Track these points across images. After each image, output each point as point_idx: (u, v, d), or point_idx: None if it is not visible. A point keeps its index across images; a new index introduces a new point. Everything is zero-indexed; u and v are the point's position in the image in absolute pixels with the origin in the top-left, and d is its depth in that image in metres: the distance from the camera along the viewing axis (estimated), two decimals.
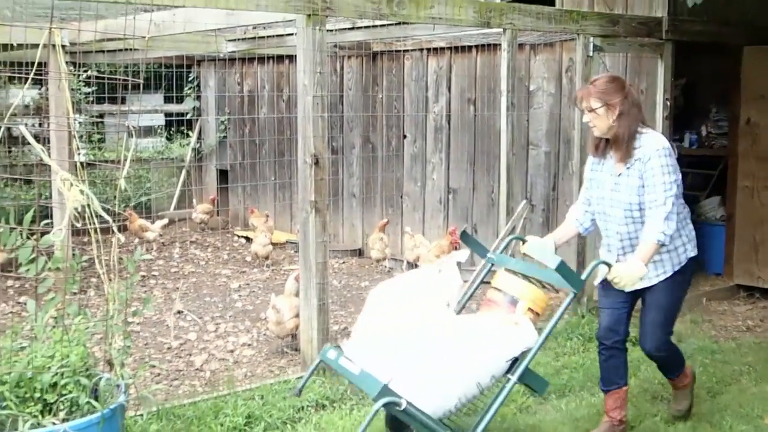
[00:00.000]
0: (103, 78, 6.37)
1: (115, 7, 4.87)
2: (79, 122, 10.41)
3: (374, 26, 7.39)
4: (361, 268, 8.79)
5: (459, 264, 4.13)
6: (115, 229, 3.93)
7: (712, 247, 7.80)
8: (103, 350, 3.98)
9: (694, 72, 8.85)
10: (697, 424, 4.63)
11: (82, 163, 4.09)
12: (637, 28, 6.69)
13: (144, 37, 4.80)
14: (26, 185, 9.79)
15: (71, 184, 3.87)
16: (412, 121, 8.84)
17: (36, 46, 4.21)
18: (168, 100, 12.14)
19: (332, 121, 9.20)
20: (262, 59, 10.38)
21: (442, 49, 8.40)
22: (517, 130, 6.33)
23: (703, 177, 8.94)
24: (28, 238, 3.83)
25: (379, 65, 9.11)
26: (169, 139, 12.98)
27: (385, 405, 3.50)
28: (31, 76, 4.03)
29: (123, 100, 10.46)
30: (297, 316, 5.56)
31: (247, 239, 9.80)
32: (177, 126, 12.41)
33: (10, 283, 7.52)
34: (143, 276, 8.07)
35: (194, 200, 10.88)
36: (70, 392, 3.45)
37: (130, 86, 4.70)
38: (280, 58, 10.12)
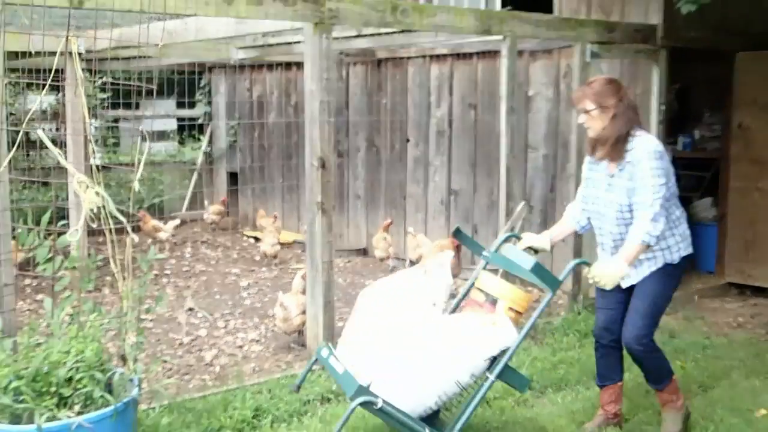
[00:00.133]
0: (118, 84, 6.37)
1: (129, 16, 4.88)
2: (95, 127, 10.44)
3: (379, 34, 7.39)
4: (366, 266, 8.79)
5: (445, 265, 4.11)
6: (129, 229, 3.96)
7: (704, 246, 7.78)
8: (117, 346, 4.00)
9: (688, 77, 8.84)
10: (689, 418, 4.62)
11: (97, 166, 4.10)
12: (632, 35, 6.69)
13: (157, 45, 4.81)
14: (43, 187, 9.81)
15: (87, 187, 3.89)
16: (415, 125, 8.84)
17: (53, 53, 4.23)
18: (180, 105, 12.14)
19: (338, 125, 9.19)
20: (270, 66, 10.39)
21: (444, 55, 8.40)
22: (516, 134, 6.34)
23: (696, 179, 8.94)
24: (45, 238, 3.85)
25: (384, 71, 9.11)
26: (181, 143, 13.01)
27: (361, 404, 3.53)
28: (49, 82, 4.05)
29: (137, 106, 10.47)
30: (304, 313, 5.57)
31: (256, 239, 9.81)
32: (189, 130, 12.43)
33: (27, 281, 7.54)
34: (156, 275, 8.07)
35: (206, 202, 10.90)
36: (85, 386, 3.46)
37: (143, 92, 4.71)
38: (288, 65, 10.13)
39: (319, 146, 5.05)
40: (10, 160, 3.93)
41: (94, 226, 3.92)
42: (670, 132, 8.07)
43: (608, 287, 4.05)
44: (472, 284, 4.13)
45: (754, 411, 4.81)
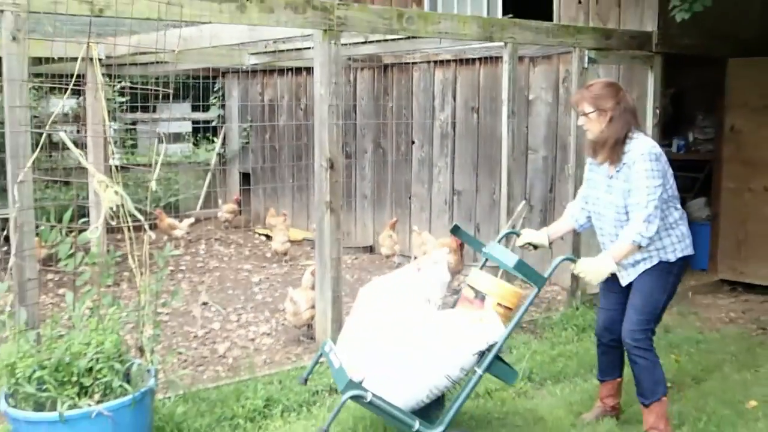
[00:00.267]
0: (136, 88, 6.39)
1: (147, 23, 4.90)
2: (114, 129, 10.46)
3: (385, 40, 7.39)
4: (372, 263, 8.79)
5: (440, 262, 4.11)
6: (146, 227, 3.98)
7: (697, 245, 7.59)
8: (135, 338, 4.02)
9: (682, 82, 8.83)
10: (682, 409, 4.62)
11: (116, 167, 4.13)
12: (629, 42, 6.68)
13: (173, 51, 4.84)
14: (65, 187, 9.84)
15: (107, 186, 3.91)
16: (419, 127, 8.84)
17: (75, 59, 4.26)
18: (195, 108, 12.14)
19: (346, 127, 9.20)
20: (281, 71, 10.40)
21: (448, 61, 8.40)
22: (517, 137, 6.33)
23: (690, 180, 8.92)
24: (66, 235, 3.87)
25: (390, 76, 9.12)
26: (195, 144, 13.01)
27: (352, 398, 3.57)
28: (70, 86, 4.08)
29: (154, 109, 10.50)
30: (313, 307, 5.58)
31: (268, 237, 9.82)
32: (203, 132, 12.43)
33: (50, 276, 7.57)
34: (172, 270, 8.10)
35: (219, 201, 10.91)
36: (105, 376, 3.48)
37: (160, 96, 4.73)
38: (298, 70, 10.13)
39: (328, 148, 5.06)
40: (33, 161, 3.95)
41: (113, 223, 3.94)
42: (664, 135, 8.08)
43: (594, 282, 4.00)
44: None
45: (744, 402, 4.80)
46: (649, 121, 6.80)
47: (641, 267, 4.07)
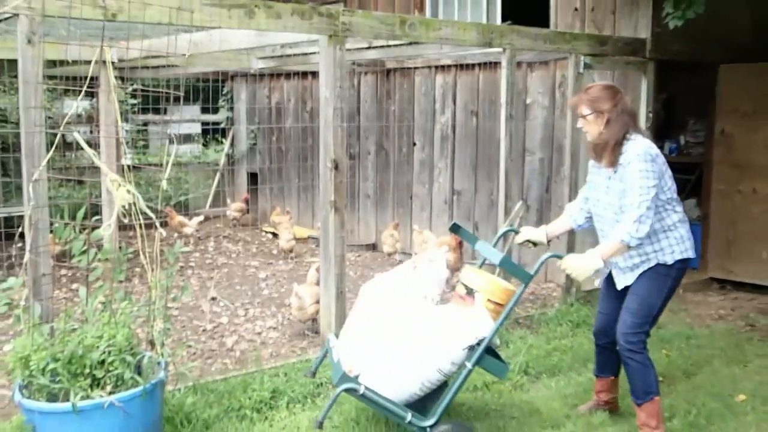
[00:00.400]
0: (148, 91, 6.39)
1: (158, 28, 4.89)
2: (126, 130, 10.46)
3: (388, 46, 7.37)
4: (375, 260, 8.79)
5: (437, 260, 4.09)
6: (157, 224, 3.96)
7: None
8: (146, 332, 4.01)
9: (674, 87, 8.80)
10: (674, 402, 4.61)
11: (128, 166, 4.12)
12: (623, 48, 6.66)
13: (184, 55, 4.83)
14: (79, 185, 9.85)
15: (119, 185, 3.90)
16: (421, 130, 8.83)
17: (88, 62, 4.25)
18: (204, 110, 12.16)
19: (350, 130, 9.19)
20: (288, 75, 10.39)
21: (449, 66, 8.39)
22: (514, 139, 6.32)
23: (681, 182, 8.87)
24: (80, 232, 3.86)
25: (392, 80, 9.11)
26: (205, 145, 13.01)
27: (345, 390, 3.60)
28: (84, 88, 4.06)
29: (165, 111, 10.50)
30: (317, 302, 5.57)
31: (274, 235, 9.82)
32: (212, 134, 12.44)
33: (63, 272, 7.57)
34: (181, 266, 8.09)
35: (228, 200, 10.91)
36: (117, 368, 3.47)
37: (171, 98, 4.72)
38: (304, 74, 10.12)
39: (333, 149, 5.04)
40: (48, 160, 3.94)
41: (125, 221, 3.92)
42: (657, 138, 8.02)
43: (580, 278, 3.90)
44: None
45: (733, 396, 4.80)
46: (643, 125, 6.77)
47: (638, 270, 3.96)
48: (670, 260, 3.93)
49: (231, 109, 11.67)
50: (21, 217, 3.93)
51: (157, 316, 3.95)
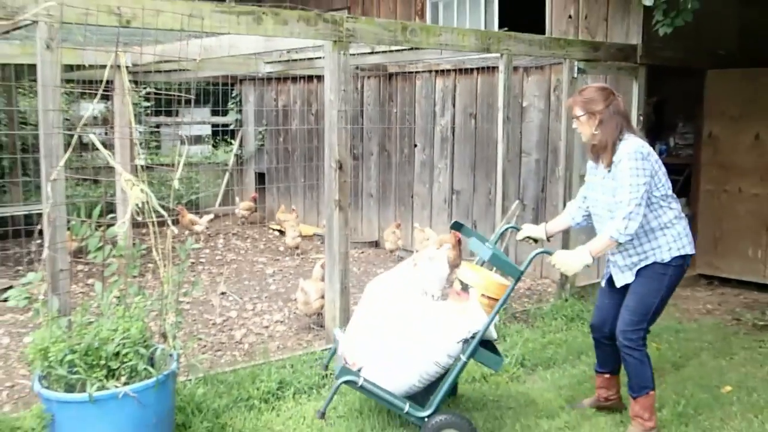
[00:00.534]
0: (160, 94, 6.39)
1: (171, 34, 4.88)
2: (140, 131, 10.46)
3: (390, 51, 7.37)
4: (377, 257, 8.78)
5: (438, 258, 4.08)
6: (169, 222, 3.96)
7: None
8: (159, 325, 4.00)
9: (664, 91, 8.79)
10: (663, 393, 4.60)
11: (141, 167, 4.11)
12: (615, 54, 6.65)
13: (195, 60, 4.82)
14: (94, 185, 9.85)
15: (133, 184, 3.90)
16: (421, 132, 8.82)
17: (104, 66, 4.24)
18: (214, 113, 12.17)
19: (354, 131, 9.19)
20: (294, 79, 10.39)
21: (448, 70, 8.38)
22: (511, 141, 6.31)
23: (671, 182, 8.88)
24: (96, 229, 3.86)
25: (394, 84, 9.10)
26: (215, 146, 13.03)
27: (345, 382, 3.64)
28: (100, 92, 4.06)
29: (176, 113, 10.50)
30: (322, 297, 5.56)
31: (281, 232, 9.82)
32: (222, 135, 12.45)
33: (80, 267, 7.57)
34: (192, 262, 8.09)
35: (237, 198, 10.91)
36: (131, 360, 3.47)
37: (182, 101, 4.72)
38: (309, 78, 10.12)
39: (337, 150, 5.04)
40: (65, 161, 3.94)
41: (139, 219, 3.92)
42: (647, 140, 8.02)
43: (569, 273, 3.87)
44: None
45: (720, 387, 4.79)
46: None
47: (637, 268, 3.90)
48: (667, 257, 3.85)
49: (240, 111, 11.67)
50: (40, 215, 3.93)
51: (169, 310, 3.94)
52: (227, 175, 11.54)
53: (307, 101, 10.38)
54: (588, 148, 4.05)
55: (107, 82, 4.10)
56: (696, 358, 5.38)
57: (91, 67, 5.28)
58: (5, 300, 3.70)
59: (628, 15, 6.93)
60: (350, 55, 5.06)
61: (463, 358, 3.72)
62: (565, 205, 6.32)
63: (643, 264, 3.88)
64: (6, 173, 9.34)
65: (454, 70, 8.31)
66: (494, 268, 4.44)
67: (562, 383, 4.79)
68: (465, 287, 3.95)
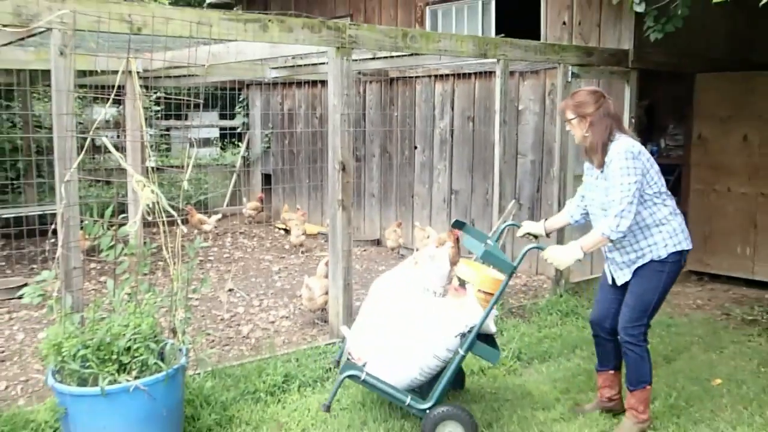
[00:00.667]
0: (170, 98, 6.39)
1: (180, 41, 4.88)
2: (150, 134, 10.46)
3: (391, 56, 7.36)
4: (379, 255, 8.77)
5: (439, 256, 4.06)
6: (179, 221, 3.95)
7: None
8: (168, 321, 4.00)
9: (655, 95, 8.78)
10: (655, 386, 4.55)
11: (152, 168, 4.10)
12: (608, 59, 6.64)
13: (203, 65, 4.81)
14: (107, 186, 9.85)
15: (143, 185, 3.89)
16: (421, 134, 8.81)
17: (115, 72, 4.24)
18: (222, 116, 12.18)
19: (356, 134, 9.17)
20: (299, 83, 10.38)
21: (447, 75, 8.36)
22: (508, 143, 6.29)
23: None
24: (108, 228, 3.85)
25: (395, 88, 9.09)
26: (222, 148, 13.04)
27: (348, 377, 3.66)
28: (112, 96, 4.05)
29: (186, 117, 10.50)
30: (326, 293, 5.55)
31: (286, 231, 9.81)
32: (229, 138, 12.46)
33: (93, 265, 7.57)
34: (201, 260, 8.09)
35: (244, 199, 10.91)
36: (141, 355, 3.46)
37: (191, 105, 4.71)
38: (314, 83, 10.11)
39: (340, 152, 5.03)
40: (79, 163, 3.93)
41: (150, 218, 3.92)
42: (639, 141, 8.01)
43: (561, 267, 3.84)
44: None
45: (710, 380, 4.78)
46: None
47: (635, 266, 3.86)
48: (664, 254, 3.79)
49: (247, 115, 11.67)
50: (54, 215, 3.92)
51: (178, 306, 3.94)
52: (235, 176, 11.54)
53: (312, 105, 10.38)
54: (582, 151, 4.02)
55: (119, 87, 4.09)
56: (687, 351, 5.37)
57: (103, 72, 5.27)
58: (20, 297, 3.69)
59: (620, 21, 6.92)
60: (353, 60, 5.05)
61: (461, 351, 3.72)
62: (559, 204, 6.33)
63: (641, 262, 3.83)
64: (21, 175, 9.35)
65: (453, 75, 8.30)
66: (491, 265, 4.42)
67: (557, 376, 4.78)
68: (462, 283, 3.95)
